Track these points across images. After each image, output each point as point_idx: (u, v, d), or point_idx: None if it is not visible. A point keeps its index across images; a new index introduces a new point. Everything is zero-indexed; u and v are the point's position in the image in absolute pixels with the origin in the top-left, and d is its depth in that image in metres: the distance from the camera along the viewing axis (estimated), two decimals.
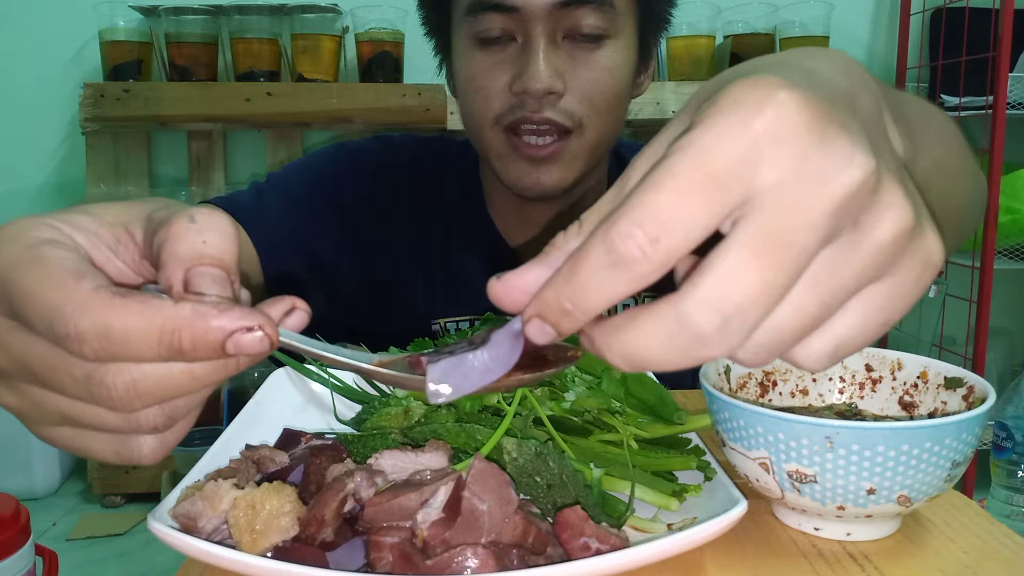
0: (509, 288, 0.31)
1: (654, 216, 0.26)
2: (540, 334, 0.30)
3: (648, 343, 0.27)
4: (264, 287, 0.87)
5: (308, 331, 0.75)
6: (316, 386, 0.66)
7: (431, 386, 0.34)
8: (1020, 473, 1.12)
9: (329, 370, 0.65)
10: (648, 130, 2.37)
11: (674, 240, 0.26)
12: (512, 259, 0.91)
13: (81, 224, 0.35)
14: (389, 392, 0.63)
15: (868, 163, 0.27)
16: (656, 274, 0.27)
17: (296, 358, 0.63)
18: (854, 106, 0.30)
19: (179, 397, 0.33)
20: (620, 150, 0.97)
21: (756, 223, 0.26)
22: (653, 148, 0.30)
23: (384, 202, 0.91)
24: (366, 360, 0.36)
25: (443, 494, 0.43)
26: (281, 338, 0.33)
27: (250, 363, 0.33)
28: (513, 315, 0.32)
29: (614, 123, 0.82)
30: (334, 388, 0.64)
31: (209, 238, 0.33)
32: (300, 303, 0.35)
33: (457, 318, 0.89)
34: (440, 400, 0.34)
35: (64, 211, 0.35)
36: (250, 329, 0.31)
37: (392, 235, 0.91)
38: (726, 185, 0.26)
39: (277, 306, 0.34)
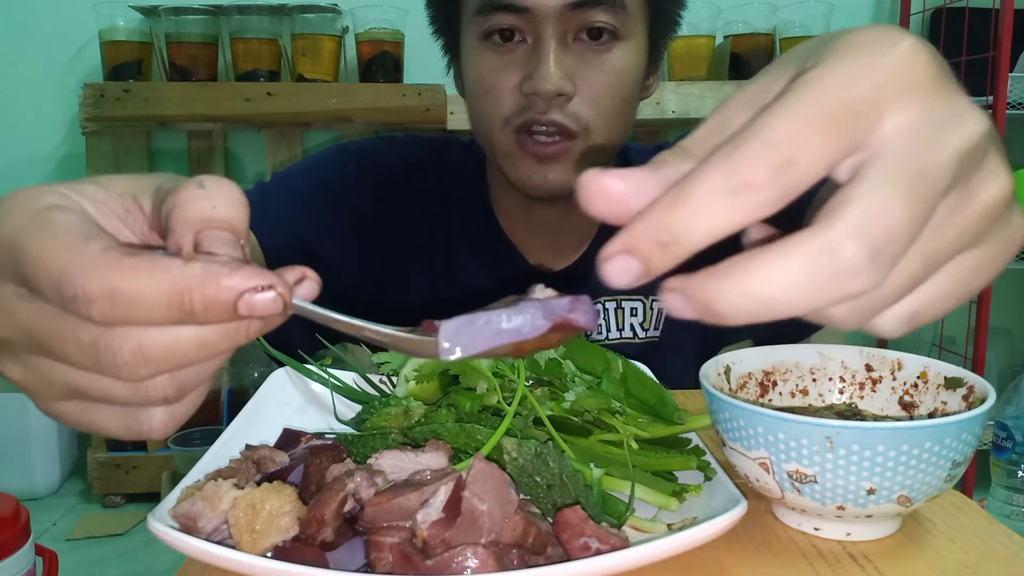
0: (600, 187, 0.28)
1: (786, 141, 0.25)
2: (623, 273, 0.28)
3: (783, 280, 0.25)
4: None
5: (308, 330, 0.76)
6: (316, 386, 0.66)
7: (443, 343, 0.33)
8: (1020, 473, 1.12)
9: (329, 370, 0.65)
10: (648, 130, 2.37)
11: (802, 169, 0.25)
12: (518, 261, 0.91)
13: (89, 193, 0.34)
14: (389, 392, 0.63)
15: (984, 121, 0.27)
16: (775, 206, 0.25)
17: (303, 339, 0.63)
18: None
19: (188, 365, 0.32)
20: (628, 153, 0.97)
21: (894, 160, 0.26)
22: (748, 94, 0.31)
23: (387, 202, 0.91)
24: (380, 327, 0.35)
25: (443, 494, 0.43)
26: (294, 301, 0.32)
27: (261, 330, 0.32)
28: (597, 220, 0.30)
29: (621, 127, 0.82)
30: (334, 388, 0.64)
31: (219, 204, 0.32)
32: (310, 272, 0.34)
33: None
34: (451, 357, 0.33)
35: (71, 181, 0.35)
36: (262, 289, 0.30)
37: (395, 236, 0.90)
38: (857, 120, 0.26)
39: (288, 273, 0.33)
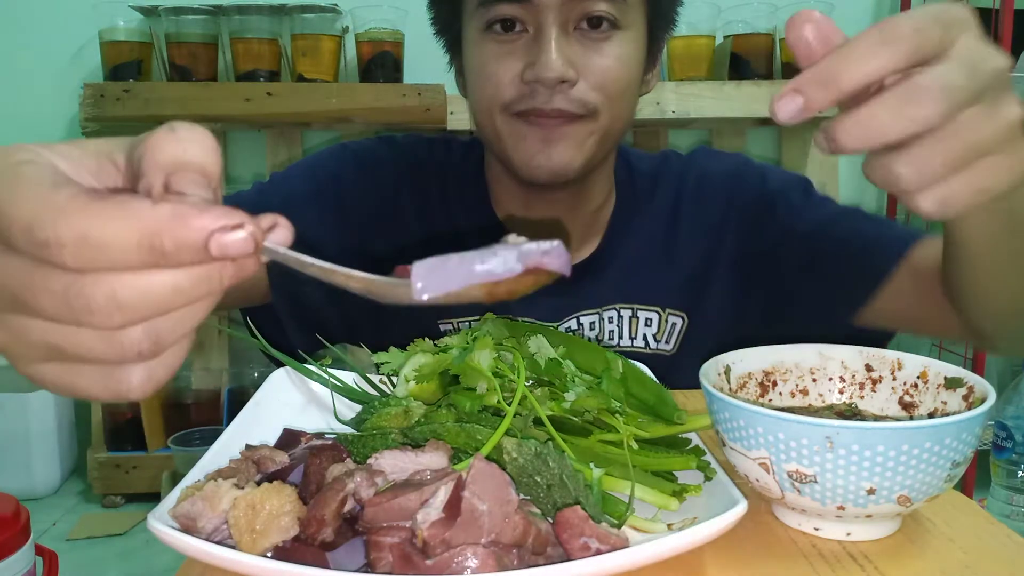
0: (820, 30, 0.43)
1: (917, 20, 0.41)
2: (789, 105, 0.41)
3: (878, 106, 0.40)
4: (267, 287, 0.87)
5: (309, 332, 0.76)
6: (316, 386, 0.66)
7: (416, 284, 0.34)
8: (1020, 473, 1.12)
9: (329, 370, 0.65)
10: (648, 130, 2.37)
11: (924, 36, 0.40)
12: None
13: (61, 151, 0.34)
14: (389, 392, 0.63)
15: (1008, 61, 0.43)
16: (906, 58, 0.40)
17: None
18: None
19: (163, 313, 0.32)
20: (629, 157, 0.97)
21: (962, 57, 0.41)
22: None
23: (387, 203, 0.91)
24: (352, 271, 0.35)
25: (443, 494, 0.43)
26: (266, 245, 0.32)
27: (234, 277, 0.32)
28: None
29: (626, 113, 0.82)
30: (334, 388, 0.64)
31: (189, 147, 0.32)
32: (282, 220, 0.34)
33: (469, 318, 0.89)
34: (423, 297, 0.33)
35: (47, 143, 0.35)
36: (233, 228, 0.30)
37: (395, 235, 0.90)
38: (949, 31, 0.41)
39: (262, 220, 0.33)
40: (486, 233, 0.91)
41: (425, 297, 0.33)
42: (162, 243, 0.29)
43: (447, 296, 0.34)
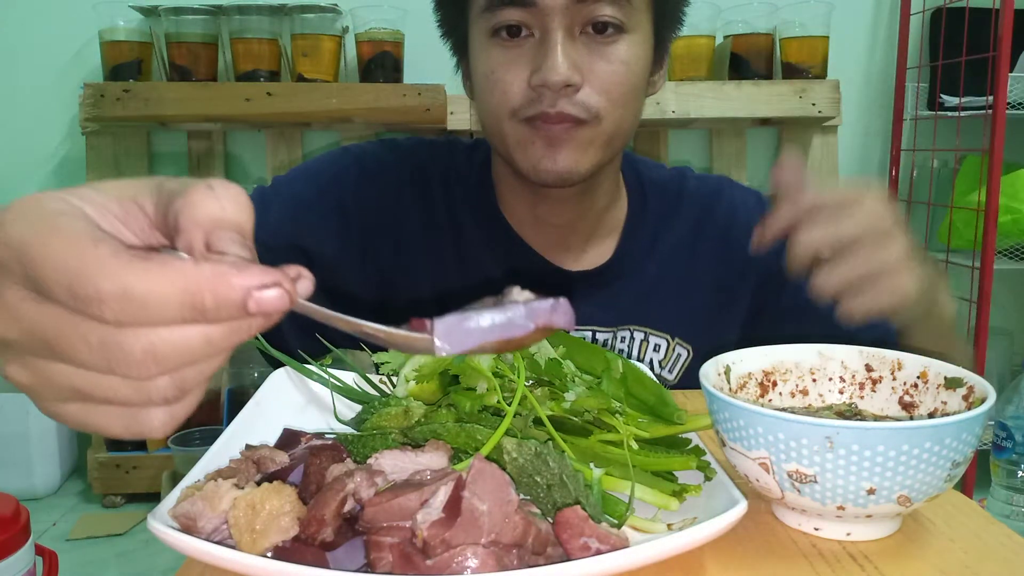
0: (790, 172, 0.65)
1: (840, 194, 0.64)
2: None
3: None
4: None
5: (302, 331, 0.76)
6: (316, 386, 0.66)
7: (437, 341, 0.36)
8: (1020, 473, 1.12)
9: (329, 370, 0.65)
10: (648, 130, 2.37)
11: (844, 208, 0.64)
12: (532, 257, 0.91)
13: (88, 197, 0.35)
14: (389, 392, 0.63)
15: (899, 214, 0.66)
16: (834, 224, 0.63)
17: (302, 336, 0.63)
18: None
19: (194, 363, 0.33)
20: (638, 166, 0.97)
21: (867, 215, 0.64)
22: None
23: (389, 206, 0.91)
24: (376, 325, 0.38)
25: (443, 494, 0.43)
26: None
27: (262, 327, 0.33)
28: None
29: (630, 116, 0.83)
30: (334, 388, 0.64)
31: (227, 206, 0.34)
32: (305, 272, 0.35)
33: None
34: (443, 354, 0.37)
35: (70, 188, 0.35)
36: (270, 286, 0.32)
37: (398, 238, 0.90)
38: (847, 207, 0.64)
39: (287, 271, 0.34)
40: (494, 237, 0.91)
41: (443, 354, 0.37)
42: (203, 301, 0.31)
43: (464, 352, 0.37)
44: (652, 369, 0.92)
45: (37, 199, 0.34)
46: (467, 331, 0.37)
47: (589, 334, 0.90)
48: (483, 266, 0.91)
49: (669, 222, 0.95)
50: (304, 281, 0.35)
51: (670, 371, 0.93)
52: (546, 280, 0.90)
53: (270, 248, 0.81)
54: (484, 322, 0.37)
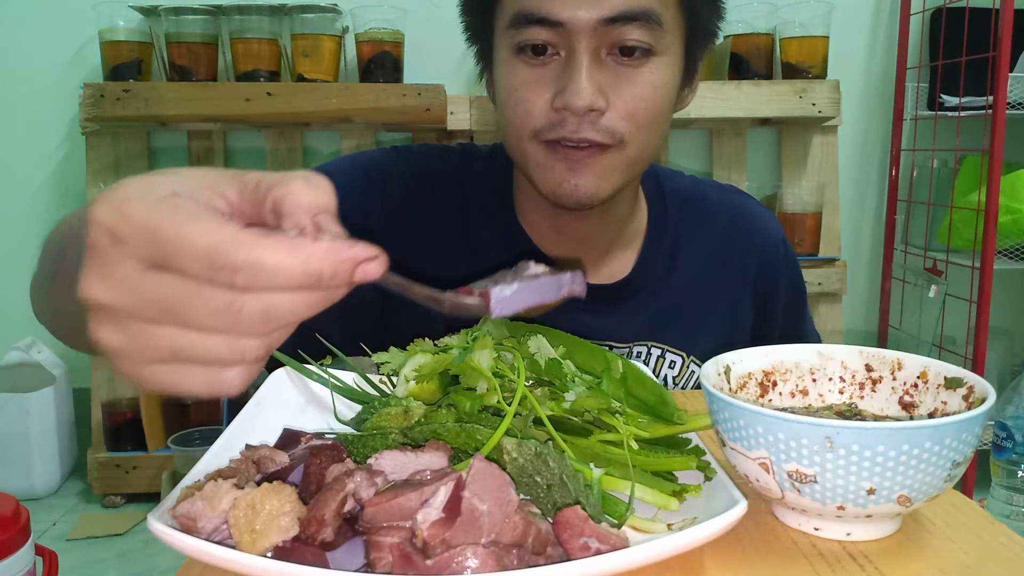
0: None
1: None
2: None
3: None
4: None
5: (304, 344, 0.77)
6: (316, 386, 0.66)
7: (494, 306, 0.44)
8: (1020, 473, 1.12)
9: (329, 370, 0.65)
10: None
11: None
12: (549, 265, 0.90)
13: (189, 184, 0.39)
14: (389, 392, 0.63)
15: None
16: None
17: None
18: None
19: (288, 326, 0.38)
20: (658, 176, 0.96)
21: None
22: None
23: (397, 216, 0.89)
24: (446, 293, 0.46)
25: (443, 494, 0.43)
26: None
27: (343, 295, 0.39)
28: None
29: (654, 140, 0.81)
30: (334, 388, 0.64)
31: (321, 195, 0.40)
32: (381, 252, 0.40)
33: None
34: (494, 315, 0.45)
35: (163, 173, 0.40)
36: (372, 259, 0.38)
37: (403, 248, 0.89)
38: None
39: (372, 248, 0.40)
40: (511, 247, 0.89)
41: (495, 315, 0.45)
42: (321, 270, 0.37)
43: (509, 315, 0.46)
44: (666, 383, 0.92)
45: (144, 183, 0.38)
46: (515, 299, 0.45)
47: (606, 348, 0.90)
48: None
49: (691, 233, 0.94)
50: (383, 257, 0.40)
51: (683, 388, 0.93)
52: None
53: None
54: (528, 291, 0.46)
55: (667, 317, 0.92)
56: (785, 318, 1.00)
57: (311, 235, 0.39)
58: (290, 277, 0.36)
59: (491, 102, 0.88)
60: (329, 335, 0.86)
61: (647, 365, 0.91)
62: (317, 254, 0.37)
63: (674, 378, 0.92)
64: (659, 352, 0.91)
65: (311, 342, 0.82)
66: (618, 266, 0.92)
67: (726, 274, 0.95)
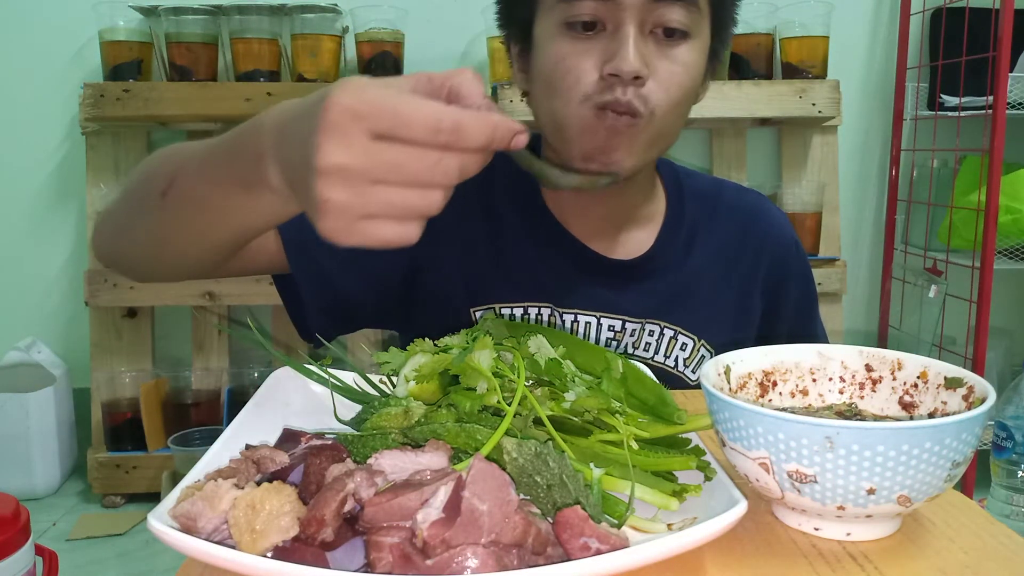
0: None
1: None
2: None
3: None
4: (285, 268, 0.86)
5: (330, 318, 0.82)
6: (316, 386, 0.66)
7: None
8: (1020, 473, 1.11)
9: (329, 370, 0.65)
10: None
11: None
12: (571, 242, 0.92)
13: (395, 84, 0.50)
14: (389, 392, 0.63)
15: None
16: None
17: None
18: None
19: (468, 176, 0.50)
20: (677, 173, 1.00)
21: None
22: None
23: None
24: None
25: (443, 494, 0.43)
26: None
27: (486, 160, 0.51)
28: None
29: (678, 121, 0.86)
30: (334, 388, 0.64)
31: (482, 84, 0.52)
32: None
33: (512, 304, 0.90)
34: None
35: (377, 79, 0.50)
36: (522, 132, 0.50)
37: (429, 227, 0.91)
38: None
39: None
40: (535, 224, 0.94)
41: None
42: (495, 135, 0.49)
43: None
44: (676, 365, 0.94)
45: (367, 81, 0.49)
46: None
47: (619, 323, 0.92)
48: (522, 250, 0.93)
49: (706, 227, 0.98)
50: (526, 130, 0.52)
51: (693, 371, 0.95)
52: (586, 267, 0.92)
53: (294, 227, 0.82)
54: None
55: (680, 300, 0.95)
56: (794, 319, 1.03)
57: (487, 110, 0.50)
58: (481, 137, 0.48)
59: (518, 85, 0.92)
60: (364, 302, 0.89)
61: (659, 344, 0.94)
62: (494, 121, 0.48)
63: (685, 360, 0.95)
64: (671, 333, 0.94)
65: (350, 312, 0.91)
66: (635, 245, 0.95)
67: (737, 269, 0.98)
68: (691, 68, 0.83)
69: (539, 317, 0.91)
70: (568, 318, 0.91)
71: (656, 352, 0.94)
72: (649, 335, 0.93)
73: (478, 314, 0.91)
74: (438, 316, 0.91)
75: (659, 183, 0.98)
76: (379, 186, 0.48)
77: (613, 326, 0.92)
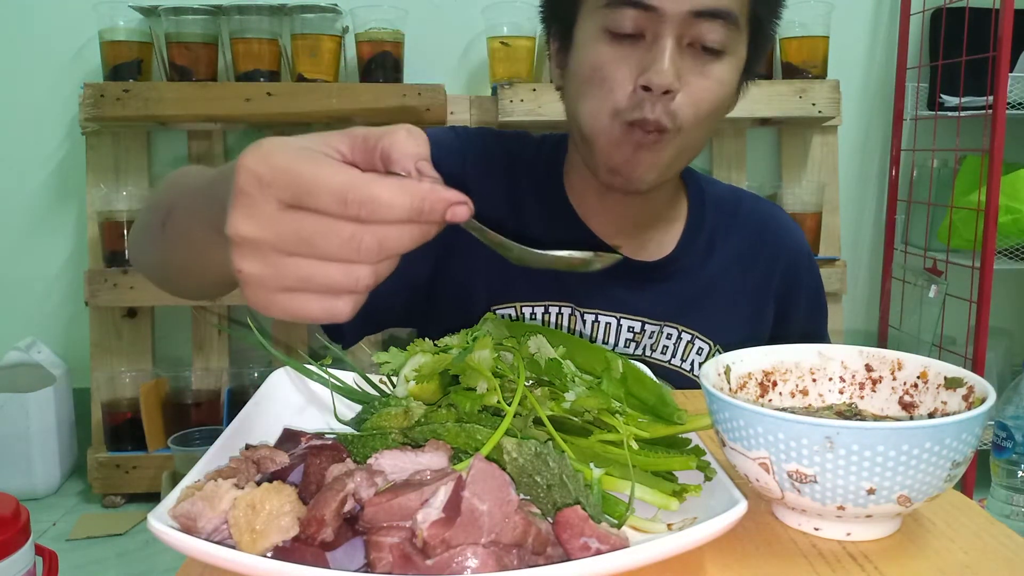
0: None
1: None
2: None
3: None
4: None
5: (373, 320, 0.81)
6: (316, 386, 0.66)
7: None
8: (1020, 473, 1.12)
9: (329, 370, 0.65)
10: None
11: None
12: (595, 243, 0.93)
13: (316, 143, 0.47)
14: (389, 392, 0.63)
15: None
16: None
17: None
18: None
19: (391, 259, 0.45)
20: (699, 180, 1.01)
21: None
22: None
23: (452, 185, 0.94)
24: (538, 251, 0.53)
25: (443, 494, 0.43)
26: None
27: (435, 232, 0.45)
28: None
29: (703, 136, 0.86)
30: (334, 388, 0.64)
31: (421, 146, 0.47)
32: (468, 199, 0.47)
33: (533, 303, 0.91)
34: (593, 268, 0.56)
35: (291, 138, 0.47)
36: (462, 203, 0.45)
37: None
38: None
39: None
40: (559, 223, 0.95)
41: (594, 268, 0.56)
42: (423, 206, 0.44)
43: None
44: (692, 368, 0.95)
45: (280, 141, 0.45)
46: None
47: (639, 324, 0.93)
48: (545, 249, 0.93)
49: (725, 234, 0.99)
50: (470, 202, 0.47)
51: None
52: (608, 267, 0.92)
53: None
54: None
55: (697, 304, 0.96)
56: (802, 331, 1.04)
57: (415, 178, 0.45)
58: (400, 211, 0.43)
59: (553, 82, 0.92)
60: (393, 305, 0.92)
61: (676, 347, 0.95)
62: (421, 192, 0.44)
63: (700, 363, 0.96)
64: (688, 337, 0.95)
65: (379, 315, 0.92)
66: (656, 247, 0.96)
67: (752, 276, 1.00)
68: (724, 85, 0.83)
69: (560, 317, 0.91)
70: (589, 318, 0.92)
71: (673, 355, 0.94)
72: (667, 338, 0.94)
73: (500, 313, 0.91)
74: (461, 314, 0.91)
75: (682, 188, 0.99)
76: (294, 259, 0.44)
77: (633, 327, 0.92)
